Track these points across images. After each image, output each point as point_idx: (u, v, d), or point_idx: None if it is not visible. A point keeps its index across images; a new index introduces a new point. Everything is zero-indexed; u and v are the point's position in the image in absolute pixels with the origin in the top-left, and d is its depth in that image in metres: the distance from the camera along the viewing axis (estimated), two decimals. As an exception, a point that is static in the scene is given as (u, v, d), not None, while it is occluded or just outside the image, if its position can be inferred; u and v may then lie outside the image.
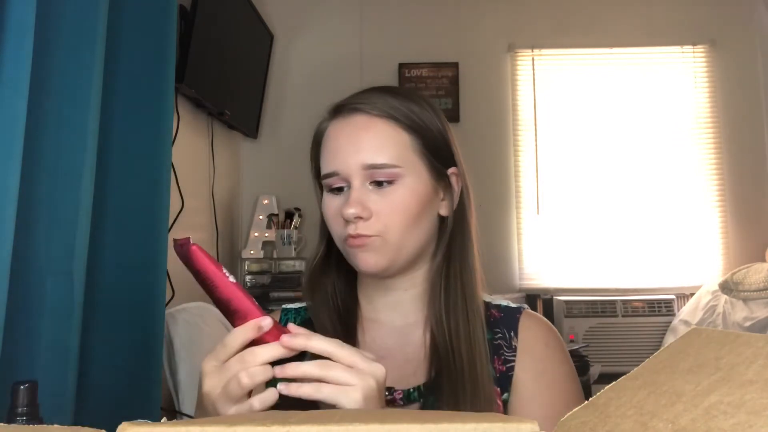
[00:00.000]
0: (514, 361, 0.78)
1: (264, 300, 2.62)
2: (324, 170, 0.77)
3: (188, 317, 1.81)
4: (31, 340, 0.98)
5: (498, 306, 0.83)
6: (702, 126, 3.15)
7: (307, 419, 0.36)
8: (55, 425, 0.37)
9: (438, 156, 0.79)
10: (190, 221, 2.20)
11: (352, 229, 0.73)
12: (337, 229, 0.76)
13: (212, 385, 0.59)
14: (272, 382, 0.59)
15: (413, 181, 0.75)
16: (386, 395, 0.70)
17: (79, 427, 0.35)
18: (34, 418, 0.57)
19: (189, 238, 0.59)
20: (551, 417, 0.71)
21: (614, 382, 0.38)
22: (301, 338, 0.59)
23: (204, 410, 0.60)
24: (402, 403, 0.75)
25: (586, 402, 0.37)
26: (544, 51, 3.19)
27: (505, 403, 0.76)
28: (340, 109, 0.78)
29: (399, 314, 0.82)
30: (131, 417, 0.37)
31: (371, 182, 0.74)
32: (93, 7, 1.06)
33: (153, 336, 1.33)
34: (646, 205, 3.08)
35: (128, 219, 1.26)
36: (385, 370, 0.60)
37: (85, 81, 1.05)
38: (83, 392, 1.09)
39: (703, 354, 0.36)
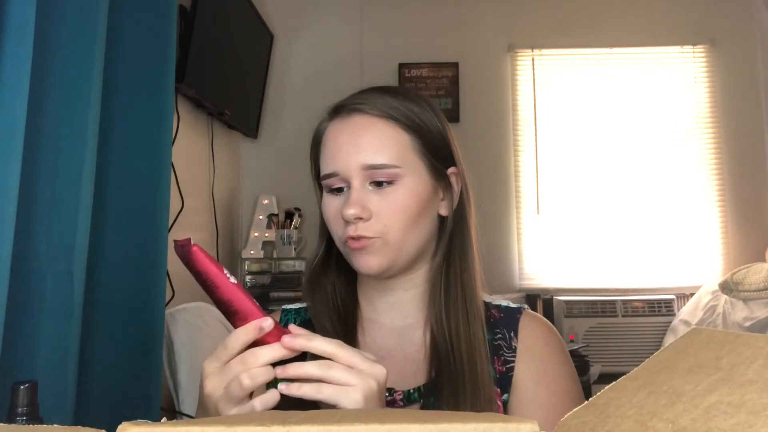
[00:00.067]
0: (514, 361, 0.78)
1: (264, 300, 2.62)
2: (324, 171, 0.77)
3: (188, 317, 1.81)
4: (31, 340, 0.98)
5: (498, 306, 0.83)
6: (702, 126, 3.15)
7: (307, 419, 0.36)
8: (55, 425, 0.37)
9: (438, 156, 0.78)
10: (190, 221, 2.20)
11: (352, 230, 0.73)
12: (337, 230, 0.76)
13: (214, 386, 0.59)
14: (273, 382, 0.59)
15: (413, 181, 0.75)
16: (386, 396, 0.70)
17: (79, 427, 0.35)
18: (34, 418, 0.57)
19: (190, 238, 0.59)
20: (551, 417, 0.71)
21: (614, 382, 0.38)
22: (302, 339, 0.59)
23: (205, 411, 0.60)
24: (402, 404, 0.75)
25: (587, 402, 0.37)
26: (544, 51, 3.19)
27: (505, 403, 0.76)
28: (340, 110, 0.78)
29: (399, 314, 0.82)
30: (131, 417, 0.37)
31: (371, 183, 0.74)
32: (93, 7, 1.06)
33: (153, 336, 1.33)
34: (646, 205, 3.08)
35: (128, 219, 1.26)
36: (386, 371, 0.60)
37: (85, 81, 1.05)
38: (83, 392, 1.09)
39: (703, 354, 0.36)
